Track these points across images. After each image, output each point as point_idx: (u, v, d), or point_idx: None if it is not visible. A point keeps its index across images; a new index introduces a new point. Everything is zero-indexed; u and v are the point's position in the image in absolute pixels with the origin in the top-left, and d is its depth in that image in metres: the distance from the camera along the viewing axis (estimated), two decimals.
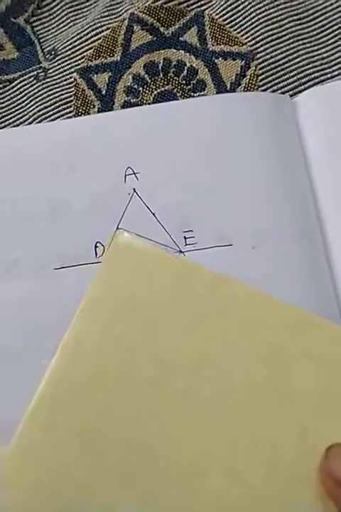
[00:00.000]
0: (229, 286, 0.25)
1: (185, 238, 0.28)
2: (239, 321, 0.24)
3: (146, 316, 0.24)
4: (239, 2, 0.34)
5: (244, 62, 0.32)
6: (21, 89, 0.33)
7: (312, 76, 0.32)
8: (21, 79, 0.33)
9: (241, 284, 0.25)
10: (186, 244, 0.28)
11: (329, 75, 0.33)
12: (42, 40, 0.34)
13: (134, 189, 0.28)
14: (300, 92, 0.32)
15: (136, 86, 0.32)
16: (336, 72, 0.33)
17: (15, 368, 0.26)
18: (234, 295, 0.24)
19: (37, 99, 0.32)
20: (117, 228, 0.28)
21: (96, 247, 0.27)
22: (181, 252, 0.27)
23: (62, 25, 0.35)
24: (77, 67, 0.33)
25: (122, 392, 0.23)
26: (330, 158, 0.30)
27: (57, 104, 0.32)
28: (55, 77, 0.33)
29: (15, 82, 0.33)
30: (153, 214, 0.28)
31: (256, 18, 0.33)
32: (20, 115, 0.32)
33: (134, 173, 0.29)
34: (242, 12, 0.33)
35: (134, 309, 0.25)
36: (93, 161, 0.29)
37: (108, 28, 0.33)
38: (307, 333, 0.24)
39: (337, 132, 0.30)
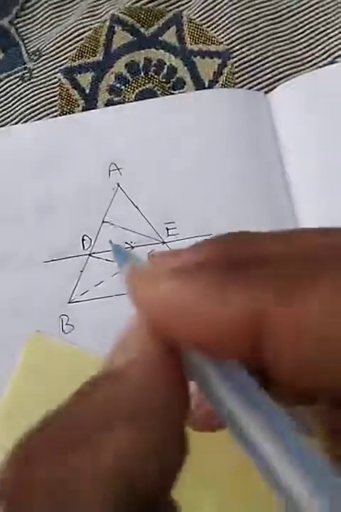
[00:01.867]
0: None
1: (167, 229, 0.30)
2: None
3: None
4: (216, 3, 0.36)
5: (221, 60, 0.34)
6: (7, 90, 0.35)
7: (286, 73, 0.35)
8: (7, 79, 0.35)
9: None
10: (168, 235, 0.30)
11: (302, 73, 0.35)
12: (26, 41, 0.36)
13: (118, 184, 0.31)
14: (274, 88, 0.34)
15: (118, 85, 0.34)
16: (308, 70, 0.35)
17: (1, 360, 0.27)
18: None
19: (22, 100, 0.34)
20: (103, 221, 0.30)
21: (83, 240, 0.30)
22: (164, 242, 0.30)
23: (45, 26, 0.36)
24: (61, 67, 0.35)
25: None
26: (302, 149, 0.32)
27: (43, 104, 0.34)
28: (39, 78, 0.34)
29: (1, 83, 0.35)
30: (137, 207, 0.30)
31: (231, 18, 0.35)
32: (6, 115, 0.34)
33: (118, 169, 0.31)
34: (219, 12, 0.36)
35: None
36: (78, 158, 0.31)
37: (90, 29, 0.35)
38: None
39: (307, 124, 0.32)
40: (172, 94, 0.34)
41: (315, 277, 0.11)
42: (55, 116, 0.34)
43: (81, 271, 0.29)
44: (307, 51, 0.35)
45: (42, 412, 0.26)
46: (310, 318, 0.11)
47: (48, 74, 0.35)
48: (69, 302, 0.29)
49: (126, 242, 0.30)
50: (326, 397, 0.11)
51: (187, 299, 0.11)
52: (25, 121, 0.33)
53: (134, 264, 0.14)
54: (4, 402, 0.26)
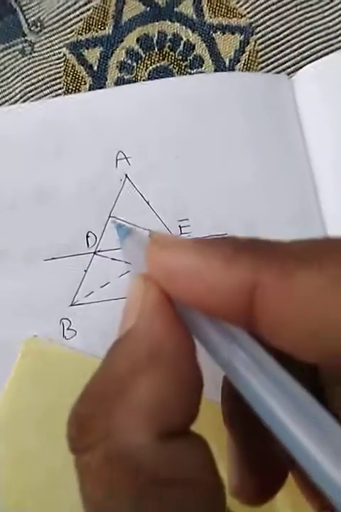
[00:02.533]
0: None
1: (180, 227, 0.27)
2: None
3: (64, 425, 0.24)
4: None
5: (243, 36, 0.31)
6: (5, 64, 0.32)
7: (316, 49, 0.32)
8: (5, 52, 0.32)
9: None
10: (181, 233, 0.27)
11: (334, 47, 0.32)
12: (25, 9, 0.33)
13: (126, 175, 0.28)
14: (302, 67, 0.31)
15: (129, 61, 0.31)
16: (339, 44, 0.32)
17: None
18: None
19: (23, 75, 0.31)
20: (109, 217, 0.27)
21: (87, 236, 0.27)
22: None
23: None
24: (67, 41, 0.31)
25: (48, 503, 0.24)
26: (328, 136, 0.29)
27: (46, 81, 0.31)
28: (42, 52, 0.31)
29: None
30: (147, 202, 0.28)
31: None
32: (5, 92, 0.31)
33: (126, 158, 0.28)
34: None
35: (51, 419, 0.24)
36: (82, 144, 0.28)
37: None
38: None
39: (334, 108, 0.30)
40: (190, 73, 0.31)
41: (315, 259, 0.12)
42: (60, 94, 0.31)
43: (85, 270, 0.27)
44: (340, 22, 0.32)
45: (38, 417, 0.24)
46: (302, 294, 0.12)
47: (52, 48, 0.32)
48: (71, 305, 0.27)
49: None
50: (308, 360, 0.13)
51: (201, 266, 0.13)
52: (27, 99, 0.31)
53: (137, 238, 0.16)
54: None
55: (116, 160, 0.28)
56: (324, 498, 0.11)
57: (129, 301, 0.14)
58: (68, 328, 0.26)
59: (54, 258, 0.27)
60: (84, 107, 0.29)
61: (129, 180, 0.28)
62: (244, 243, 0.13)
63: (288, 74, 0.31)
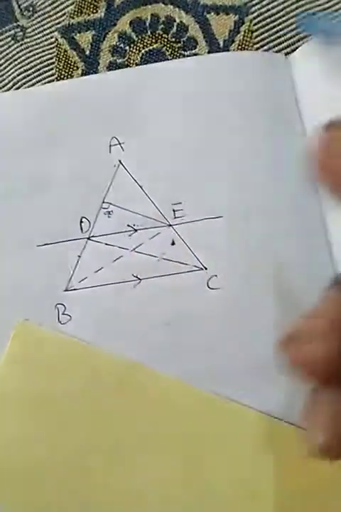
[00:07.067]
0: (138, 373, 0.27)
1: (174, 211, 0.30)
2: (150, 408, 0.26)
3: (54, 411, 0.26)
4: None
5: (237, 16, 0.33)
6: None
7: None
8: None
9: (151, 371, 0.27)
10: (175, 217, 0.30)
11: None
12: None
13: (120, 161, 0.30)
14: (299, 47, 0.33)
15: (122, 45, 0.33)
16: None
17: None
18: (144, 382, 0.27)
19: (16, 62, 0.34)
20: (103, 202, 0.30)
21: (81, 222, 0.30)
22: (170, 225, 0.29)
23: None
24: (58, 25, 0.34)
25: (35, 490, 0.26)
26: (327, 115, 0.31)
27: (38, 68, 0.33)
28: (34, 37, 0.34)
29: None
30: (141, 187, 0.30)
31: None
32: None
33: (120, 144, 0.30)
34: None
35: (41, 404, 0.26)
36: (75, 130, 0.30)
37: None
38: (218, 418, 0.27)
39: (332, 87, 0.31)
40: (183, 55, 0.33)
41: None
42: (52, 80, 0.33)
43: (79, 256, 0.29)
44: (337, 2, 0.34)
45: (27, 402, 0.27)
46: None
47: (44, 33, 0.34)
48: (65, 290, 0.29)
49: (129, 225, 0.29)
50: None
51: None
52: (18, 87, 0.33)
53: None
54: None
55: (110, 146, 0.30)
56: None
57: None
58: (63, 313, 0.29)
59: (47, 244, 0.29)
60: (76, 93, 0.31)
61: (123, 166, 0.30)
62: None
63: (285, 54, 0.33)
